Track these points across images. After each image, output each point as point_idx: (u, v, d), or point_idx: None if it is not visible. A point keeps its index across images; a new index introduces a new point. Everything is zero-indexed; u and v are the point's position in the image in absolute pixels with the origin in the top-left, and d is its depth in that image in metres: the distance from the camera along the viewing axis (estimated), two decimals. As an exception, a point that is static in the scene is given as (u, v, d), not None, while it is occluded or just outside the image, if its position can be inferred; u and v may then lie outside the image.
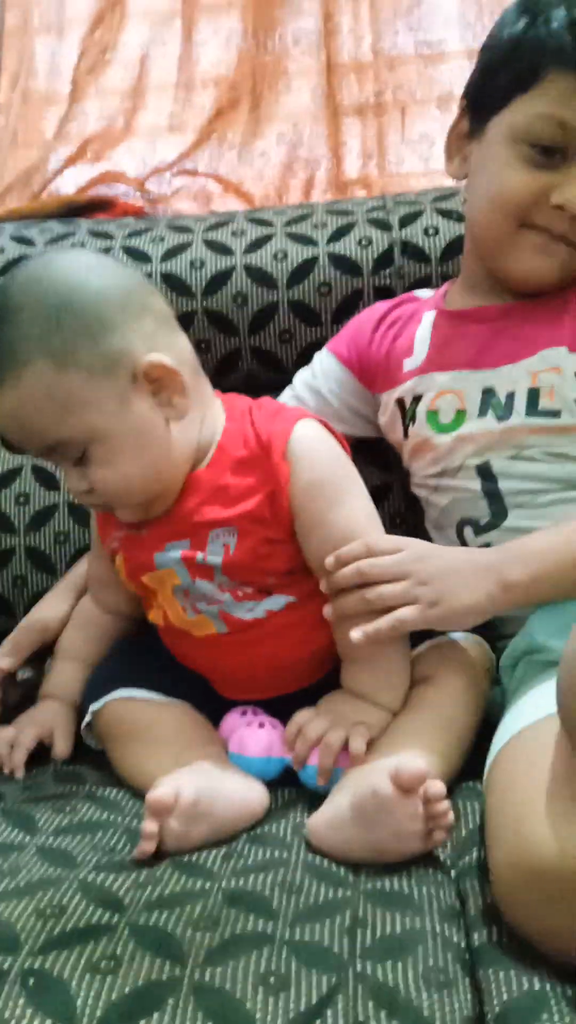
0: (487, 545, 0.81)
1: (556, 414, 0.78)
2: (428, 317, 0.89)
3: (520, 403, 0.79)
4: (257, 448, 0.69)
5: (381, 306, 0.94)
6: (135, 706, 0.73)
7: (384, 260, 1.02)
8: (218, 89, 1.28)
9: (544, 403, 0.78)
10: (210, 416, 0.72)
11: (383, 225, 1.04)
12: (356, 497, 0.71)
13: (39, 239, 1.10)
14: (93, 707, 0.74)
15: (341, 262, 1.03)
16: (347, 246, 1.03)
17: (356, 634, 0.66)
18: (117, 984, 0.46)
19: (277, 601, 0.71)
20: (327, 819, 0.60)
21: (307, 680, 0.74)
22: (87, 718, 0.75)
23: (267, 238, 1.05)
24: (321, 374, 0.94)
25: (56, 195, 1.27)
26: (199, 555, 0.69)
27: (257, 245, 1.05)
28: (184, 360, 0.69)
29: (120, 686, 0.74)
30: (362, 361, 0.92)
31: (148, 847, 0.57)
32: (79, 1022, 0.44)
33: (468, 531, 0.83)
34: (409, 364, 0.87)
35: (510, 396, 0.80)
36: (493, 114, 0.78)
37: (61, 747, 0.76)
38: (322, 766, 0.66)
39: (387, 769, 0.56)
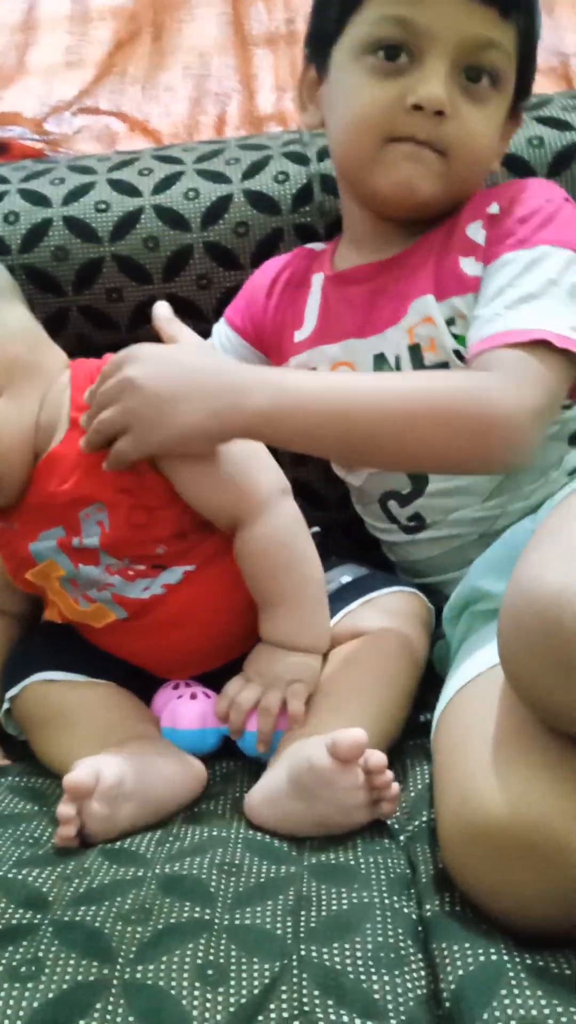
0: (417, 516, 0.78)
1: (444, 367, 0.74)
2: (317, 282, 0.84)
3: (406, 365, 0.75)
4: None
5: (273, 265, 0.90)
6: (56, 688, 0.68)
7: (303, 196, 0.96)
8: (116, 20, 1.19)
9: (428, 357, 0.74)
10: (55, 391, 0.66)
11: (300, 159, 0.98)
12: (234, 443, 0.65)
13: None
14: (10, 693, 0.69)
15: (258, 199, 0.96)
16: (263, 182, 0.97)
17: (81, 443, 0.63)
18: (39, 990, 0.41)
19: (173, 574, 0.66)
20: (265, 794, 0.56)
21: (237, 650, 0.69)
22: (5, 705, 0.70)
23: (177, 176, 0.98)
24: (220, 346, 0.89)
25: (-54, 140, 1.18)
26: (75, 540, 0.64)
27: (166, 184, 0.98)
28: (12, 334, 0.65)
29: (38, 669, 0.69)
30: (257, 331, 0.88)
31: (66, 831, 0.53)
32: (-4, 1038, 0.39)
33: (393, 504, 0.79)
34: (299, 336, 0.83)
35: (398, 360, 0.76)
36: (332, 46, 0.75)
37: None
38: (262, 733, 0.62)
39: (323, 741, 0.52)
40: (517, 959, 0.41)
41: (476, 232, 0.75)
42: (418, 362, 0.75)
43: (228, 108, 1.20)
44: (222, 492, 0.64)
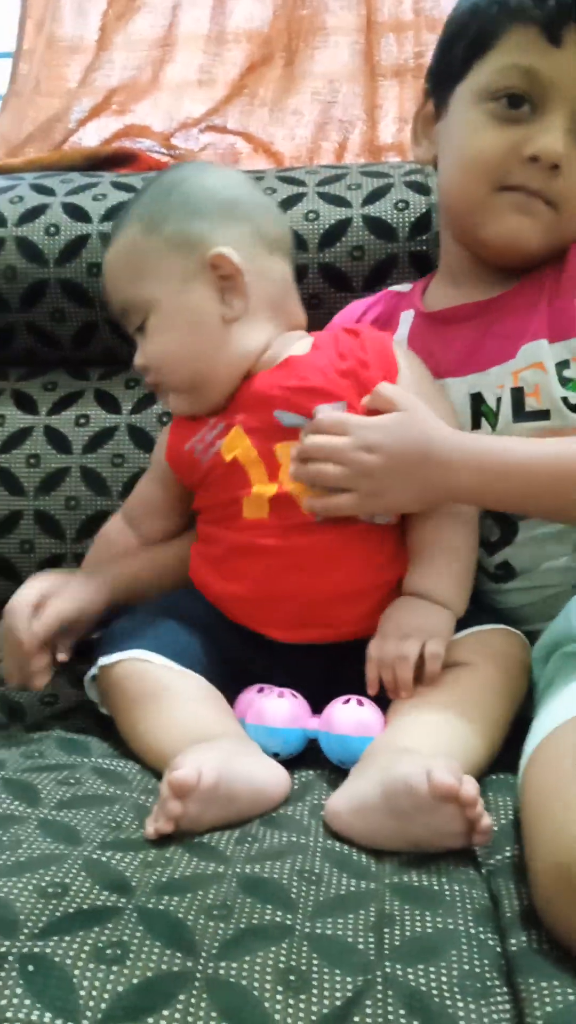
0: (505, 564, 0.77)
1: (544, 415, 0.73)
2: (405, 320, 0.84)
3: (506, 407, 0.74)
4: (361, 340, 0.74)
5: (358, 307, 0.91)
6: (151, 669, 0.68)
7: (421, 224, 0.97)
8: (251, 44, 1.23)
9: (530, 404, 0.73)
10: (285, 338, 0.75)
11: (421, 189, 1.00)
12: (446, 407, 0.75)
13: (60, 189, 1.06)
14: (103, 661, 0.70)
15: (376, 225, 0.98)
16: (383, 208, 0.99)
17: (305, 503, 0.70)
18: (124, 975, 0.42)
19: None
20: (352, 803, 0.56)
21: (363, 620, 0.70)
22: (93, 670, 0.71)
23: (299, 197, 1.01)
24: None
25: (78, 147, 1.22)
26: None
27: (288, 204, 1.00)
28: (267, 277, 0.75)
29: (137, 646, 0.69)
30: None
31: (166, 828, 0.53)
32: (81, 1016, 0.40)
33: (480, 551, 0.77)
34: None
35: (499, 401, 0.75)
36: (455, 85, 0.76)
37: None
38: (402, 680, 0.65)
39: (424, 765, 0.52)
40: (608, 1003, 0.40)
41: None
42: (519, 407, 0.74)
43: (350, 135, 1.22)
44: None
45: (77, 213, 1.03)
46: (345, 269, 0.98)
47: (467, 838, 0.52)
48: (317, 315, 0.99)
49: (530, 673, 0.70)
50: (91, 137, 1.24)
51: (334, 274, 0.98)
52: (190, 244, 0.71)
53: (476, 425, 0.76)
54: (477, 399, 0.77)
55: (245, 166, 1.23)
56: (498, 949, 0.45)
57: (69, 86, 1.26)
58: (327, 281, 0.99)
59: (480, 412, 0.76)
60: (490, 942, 0.45)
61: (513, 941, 0.45)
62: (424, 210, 0.98)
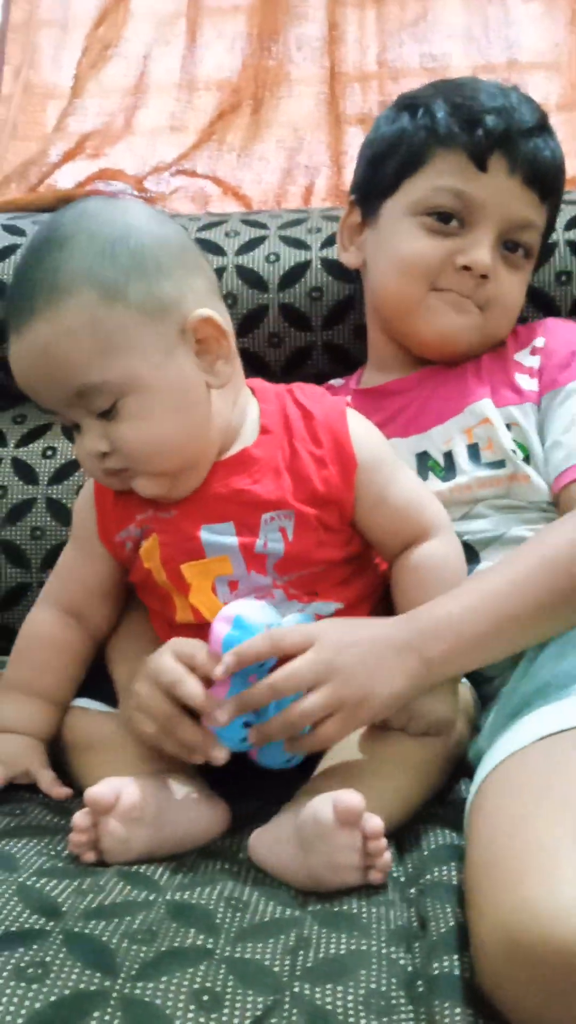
0: None
1: (500, 464, 0.78)
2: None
3: (462, 459, 0.79)
4: (314, 426, 0.66)
5: None
6: (92, 717, 0.70)
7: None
8: (220, 92, 1.28)
9: (486, 456, 0.79)
10: (242, 397, 0.68)
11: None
12: (408, 471, 0.71)
13: (31, 230, 1.09)
14: None
15: (333, 267, 1.01)
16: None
17: (286, 750, 0.60)
18: (43, 992, 0.43)
19: (327, 607, 0.66)
20: (269, 836, 0.57)
21: None
22: None
23: (260, 240, 1.04)
24: None
25: (53, 188, 1.26)
26: (258, 542, 0.63)
27: (250, 247, 1.04)
28: (231, 330, 0.65)
29: (77, 694, 0.71)
30: None
31: (78, 839, 0.55)
32: (-5, 1031, 0.41)
33: None
34: None
35: (448, 455, 0.80)
36: (385, 198, 0.84)
37: (49, 783, 0.67)
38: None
39: (331, 796, 0.53)
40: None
41: (525, 357, 0.82)
42: (475, 459, 0.79)
43: (316, 180, 1.26)
44: (400, 519, 0.67)
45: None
46: (304, 309, 1.01)
47: (363, 873, 0.53)
48: (278, 353, 1.03)
49: (473, 720, 0.70)
50: (66, 180, 1.28)
51: (293, 314, 1.01)
52: (164, 309, 0.60)
53: (423, 478, 0.80)
54: (423, 456, 0.81)
55: (215, 208, 1.27)
56: (409, 969, 0.47)
57: (45, 130, 1.30)
58: (287, 320, 1.02)
59: (427, 467, 0.81)
60: (401, 961, 0.47)
61: (436, 964, 0.46)
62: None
